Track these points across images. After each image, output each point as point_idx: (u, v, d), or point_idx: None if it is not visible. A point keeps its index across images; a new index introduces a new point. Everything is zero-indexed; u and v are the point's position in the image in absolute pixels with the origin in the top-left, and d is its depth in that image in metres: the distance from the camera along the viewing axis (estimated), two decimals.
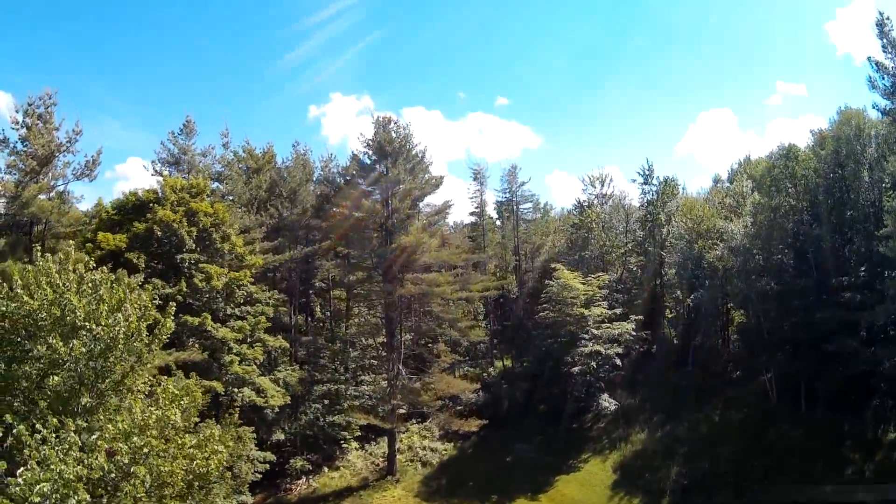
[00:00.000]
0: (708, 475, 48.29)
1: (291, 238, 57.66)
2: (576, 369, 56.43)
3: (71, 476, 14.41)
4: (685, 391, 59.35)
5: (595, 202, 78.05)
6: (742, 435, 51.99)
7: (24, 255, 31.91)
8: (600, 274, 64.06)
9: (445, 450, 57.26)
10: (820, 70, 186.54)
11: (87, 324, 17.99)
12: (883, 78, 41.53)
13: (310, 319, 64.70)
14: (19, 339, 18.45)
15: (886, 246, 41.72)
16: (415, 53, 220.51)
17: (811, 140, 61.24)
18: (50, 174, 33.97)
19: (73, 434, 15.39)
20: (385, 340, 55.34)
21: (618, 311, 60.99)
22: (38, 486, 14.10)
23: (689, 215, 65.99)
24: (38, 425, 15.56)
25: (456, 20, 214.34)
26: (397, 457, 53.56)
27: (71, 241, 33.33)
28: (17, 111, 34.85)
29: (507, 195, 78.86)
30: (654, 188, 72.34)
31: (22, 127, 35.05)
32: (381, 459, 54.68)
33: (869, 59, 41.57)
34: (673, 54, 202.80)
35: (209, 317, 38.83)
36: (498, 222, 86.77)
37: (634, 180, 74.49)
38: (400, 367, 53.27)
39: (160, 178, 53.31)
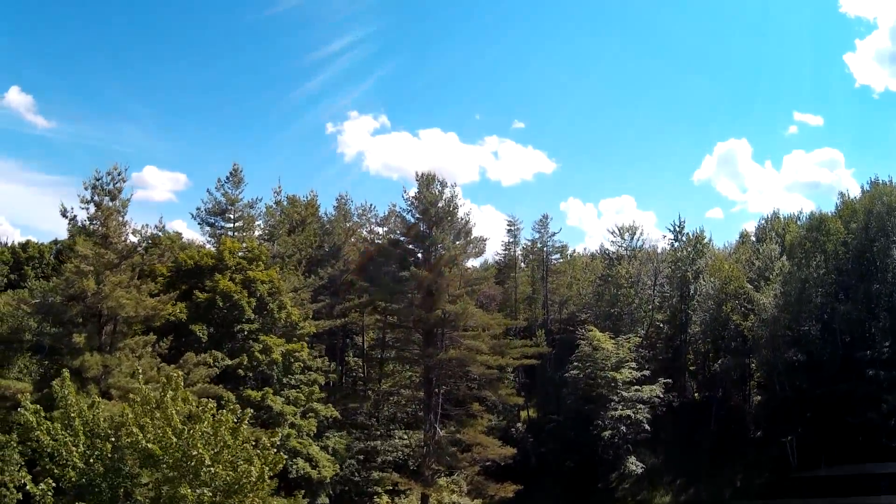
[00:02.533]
0: None
1: (332, 292, 59.22)
2: (606, 433, 57.92)
3: None
4: (707, 452, 60.55)
5: (624, 254, 79.55)
6: (763, 500, 53.43)
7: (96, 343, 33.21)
8: (630, 335, 65.50)
9: None
10: (837, 101, 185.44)
11: (211, 468, 19.51)
12: None
13: (345, 375, 66.38)
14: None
15: None
16: (432, 77, 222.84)
17: (838, 201, 62.83)
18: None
19: None
20: (423, 398, 56.86)
21: (646, 372, 62.44)
22: None
23: (717, 276, 67.31)
24: None
25: (475, 45, 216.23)
26: None
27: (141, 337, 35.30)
28: (85, 188, 35.82)
29: (539, 244, 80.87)
30: (684, 244, 73.88)
31: (91, 204, 36.33)
32: None
33: None
34: (690, 84, 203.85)
35: (270, 391, 40.57)
36: (523, 264, 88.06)
37: (665, 236, 76.45)
38: (437, 427, 54.74)
39: (208, 230, 55.43)
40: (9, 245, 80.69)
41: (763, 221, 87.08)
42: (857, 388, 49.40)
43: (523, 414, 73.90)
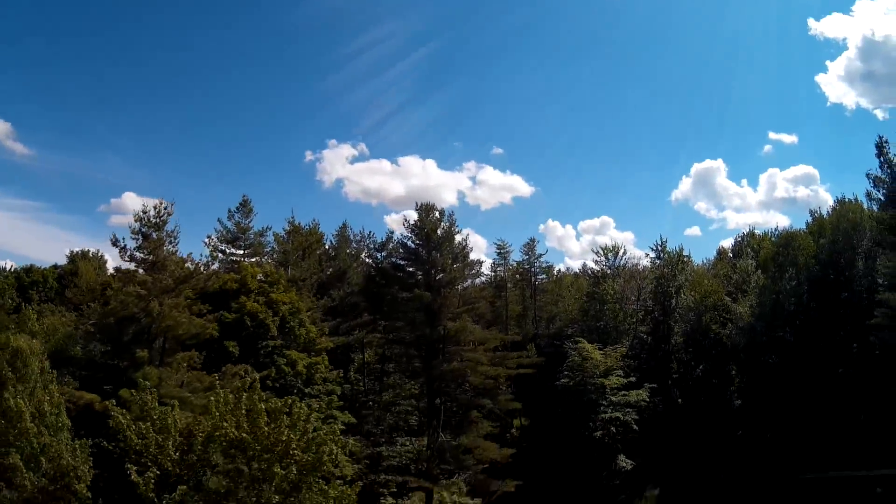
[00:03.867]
0: None
1: (338, 313, 63.17)
2: (597, 433, 61.96)
3: None
4: (691, 451, 64.63)
5: (608, 273, 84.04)
6: (746, 492, 57.63)
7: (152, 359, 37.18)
8: (617, 346, 69.68)
9: None
10: (811, 120, 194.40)
11: (295, 453, 23.62)
12: (878, 190, 48.25)
13: (352, 388, 70.10)
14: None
15: (876, 336, 48.28)
16: (409, 104, 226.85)
17: (810, 219, 67.77)
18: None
19: None
20: (425, 407, 60.83)
21: (632, 378, 66.56)
22: None
23: (697, 290, 72.00)
24: None
25: (454, 73, 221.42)
26: None
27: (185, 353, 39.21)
28: (136, 220, 40.49)
29: (526, 265, 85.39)
30: (665, 261, 78.47)
31: (139, 235, 40.75)
32: None
33: (867, 174, 48.34)
34: (666, 107, 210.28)
35: (297, 398, 44.29)
36: (510, 284, 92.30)
37: (647, 255, 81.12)
38: (440, 432, 58.66)
39: (221, 255, 59.36)
40: (12, 270, 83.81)
41: (739, 238, 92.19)
42: (831, 391, 53.90)
43: (516, 422, 77.79)
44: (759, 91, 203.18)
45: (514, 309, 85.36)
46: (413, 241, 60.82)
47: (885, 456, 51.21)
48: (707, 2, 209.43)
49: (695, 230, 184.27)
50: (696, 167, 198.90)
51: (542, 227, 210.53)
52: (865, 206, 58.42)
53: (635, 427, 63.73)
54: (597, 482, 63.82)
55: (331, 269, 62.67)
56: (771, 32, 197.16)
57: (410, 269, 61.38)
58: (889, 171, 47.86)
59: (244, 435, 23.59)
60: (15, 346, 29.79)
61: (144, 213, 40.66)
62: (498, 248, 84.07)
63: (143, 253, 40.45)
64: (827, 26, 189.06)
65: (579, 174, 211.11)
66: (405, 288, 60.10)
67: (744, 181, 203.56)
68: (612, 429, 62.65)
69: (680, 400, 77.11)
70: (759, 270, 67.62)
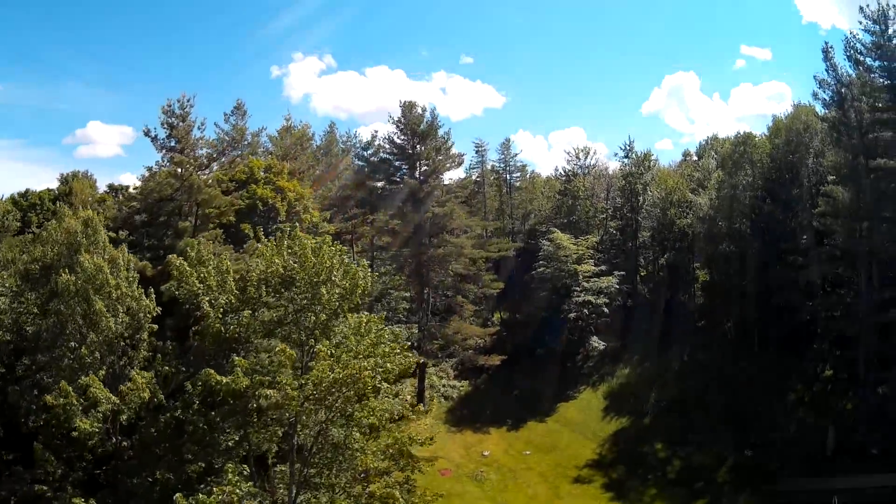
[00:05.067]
0: (680, 400, 60.24)
1: (330, 206, 67.48)
2: (571, 315, 67.87)
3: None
4: (658, 337, 70.63)
5: (579, 172, 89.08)
6: (707, 370, 63.53)
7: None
8: (588, 236, 75.00)
9: (462, 386, 68.59)
10: (785, 36, 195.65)
11: (334, 277, 28.53)
12: (824, 91, 53.26)
13: None
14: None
15: (820, 221, 54.16)
16: (378, 11, 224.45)
17: (770, 123, 72.77)
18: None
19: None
20: (414, 296, 66.11)
21: (603, 268, 72.32)
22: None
23: (662, 187, 77.42)
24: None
25: None
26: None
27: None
28: (164, 113, 45.19)
29: (502, 164, 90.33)
30: (632, 161, 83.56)
31: (165, 126, 45.34)
32: (408, 396, 65.51)
33: (814, 77, 53.16)
34: (638, 17, 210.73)
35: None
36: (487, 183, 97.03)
37: (616, 154, 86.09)
38: (430, 316, 64.17)
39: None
40: (10, 196, 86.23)
41: (703, 142, 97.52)
42: (781, 274, 59.69)
43: (496, 315, 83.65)
44: (734, 3, 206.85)
45: (492, 205, 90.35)
46: (398, 137, 65.12)
47: None
48: None
49: (666, 143, 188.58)
50: (668, 79, 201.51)
51: (513, 137, 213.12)
52: (819, 110, 63.42)
53: (606, 311, 69.72)
54: (573, 365, 70.29)
55: (323, 165, 66.72)
56: None
57: (397, 163, 65.85)
58: (833, 73, 52.73)
59: (294, 265, 28.50)
60: (84, 216, 34.28)
61: (169, 106, 45.02)
62: (476, 147, 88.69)
63: (172, 142, 44.96)
64: None
65: (551, 84, 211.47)
66: (392, 181, 64.77)
67: (716, 95, 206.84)
68: (585, 311, 68.47)
69: (648, 296, 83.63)
70: (720, 169, 72.81)
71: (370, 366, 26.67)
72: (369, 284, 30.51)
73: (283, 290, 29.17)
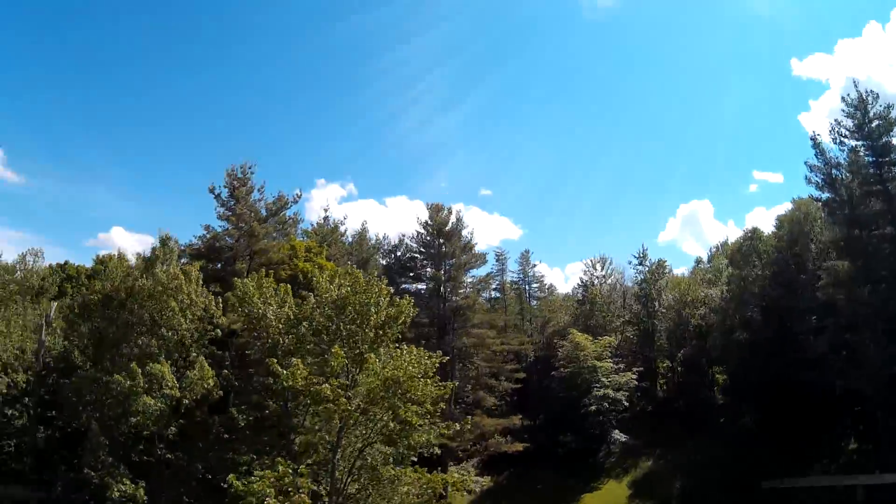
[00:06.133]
0: (704, 486, 60.89)
1: None
2: (592, 408, 69.29)
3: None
4: (678, 432, 71.98)
5: (596, 282, 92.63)
6: (728, 458, 64.58)
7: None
8: (605, 336, 77.53)
9: (484, 481, 69.15)
10: (795, 158, 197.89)
11: (381, 301, 31.64)
12: (815, 175, 57.80)
13: None
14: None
15: (823, 292, 57.39)
16: (400, 146, 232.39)
17: (776, 223, 76.90)
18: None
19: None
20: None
21: (621, 366, 74.35)
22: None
23: (677, 289, 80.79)
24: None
25: (441, 119, 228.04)
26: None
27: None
28: (228, 176, 52.90)
29: (520, 275, 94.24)
30: (646, 268, 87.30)
31: (227, 188, 52.44)
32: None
33: (805, 162, 57.92)
34: (652, 149, 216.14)
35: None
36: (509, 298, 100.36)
37: (630, 262, 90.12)
38: (454, 409, 65.82)
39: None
40: (51, 265, 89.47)
41: (714, 248, 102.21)
42: (794, 355, 61.79)
43: (515, 419, 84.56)
44: (745, 131, 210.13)
45: (512, 311, 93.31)
46: (424, 237, 69.34)
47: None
48: (691, 43, 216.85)
49: (682, 271, 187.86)
50: (683, 207, 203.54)
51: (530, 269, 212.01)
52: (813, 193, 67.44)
53: (626, 404, 71.21)
54: (595, 461, 71.06)
55: (355, 258, 70.72)
56: (755, 73, 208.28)
57: (423, 261, 69.73)
58: (822, 157, 57.44)
59: (346, 290, 31.66)
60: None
61: (232, 172, 52.95)
62: (497, 255, 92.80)
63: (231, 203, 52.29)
64: (809, 67, 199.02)
65: (567, 217, 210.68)
66: (419, 277, 68.53)
67: (730, 221, 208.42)
68: (606, 404, 69.96)
69: (664, 389, 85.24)
70: (730, 266, 76.35)
71: (417, 372, 29.31)
72: (412, 313, 33.28)
73: (335, 314, 32.18)
